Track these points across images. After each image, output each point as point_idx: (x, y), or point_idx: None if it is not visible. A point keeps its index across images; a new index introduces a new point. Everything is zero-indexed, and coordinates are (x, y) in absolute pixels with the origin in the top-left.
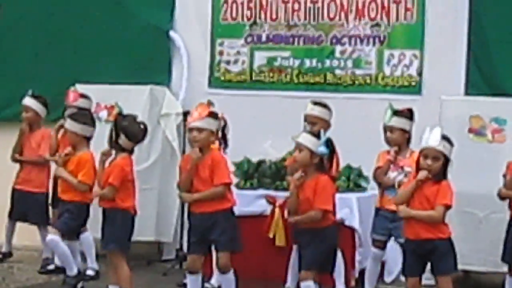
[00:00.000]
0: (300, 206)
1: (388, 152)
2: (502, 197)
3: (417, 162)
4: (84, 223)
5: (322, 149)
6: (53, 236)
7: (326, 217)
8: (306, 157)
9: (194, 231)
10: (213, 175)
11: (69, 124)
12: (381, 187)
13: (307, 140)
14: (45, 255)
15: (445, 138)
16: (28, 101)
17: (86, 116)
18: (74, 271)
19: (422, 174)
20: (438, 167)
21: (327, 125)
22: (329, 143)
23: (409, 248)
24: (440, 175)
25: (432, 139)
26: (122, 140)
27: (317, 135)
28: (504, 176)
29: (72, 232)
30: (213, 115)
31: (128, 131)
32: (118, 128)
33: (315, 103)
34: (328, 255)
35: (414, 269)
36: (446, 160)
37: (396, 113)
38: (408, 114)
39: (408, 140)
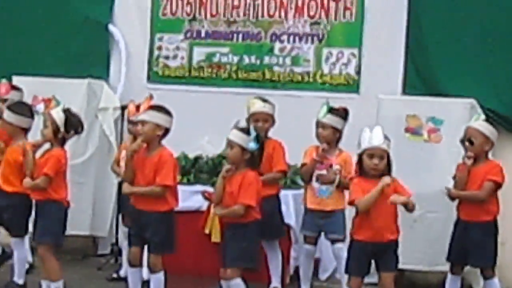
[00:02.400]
0: (224, 199)
1: (317, 148)
2: (452, 198)
3: (359, 162)
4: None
5: (252, 145)
6: None
7: (249, 213)
8: (237, 153)
9: (132, 225)
10: (156, 174)
11: (6, 115)
12: (306, 183)
13: (237, 137)
14: None
15: (386, 136)
16: None
17: (24, 108)
18: None
19: (386, 180)
20: (383, 165)
21: (273, 121)
22: (258, 139)
23: (362, 249)
24: (385, 172)
25: (375, 139)
26: (60, 132)
27: (247, 131)
28: (454, 177)
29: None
30: (156, 108)
31: (68, 123)
32: (57, 120)
33: (264, 100)
34: (251, 252)
35: (362, 269)
36: (388, 158)
37: (331, 110)
38: (343, 114)
39: (338, 140)
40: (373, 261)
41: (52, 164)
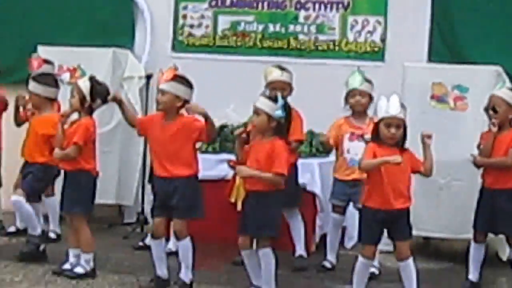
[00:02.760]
0: (250, 164)
1: (346, 119)
2: (478, 166)
3: (375, 130)
4: (47, 184)
5: (279, 113)
6: (17, 197)
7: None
8: (264, 120)
9: (157, 194)
10: (189, 139)
11: (31, 86)
12: (338, 153)
13: (264, 104)
14: None
15: (402, 105)
16: None
17: (48, 78)
18: (38, 231)
19: (397, 159)
20: (401, 134)
21: (291, 89)
22: (285, 107)
23: (374, 216)
24: (402, 142)
25: (392, 108)
26: (87, 101)
27: (274, 99)
28: (478, 146)
29: (35, 193)
30: (178, 79)
31: (94, 92)
32: (83, 89)
33: (282, 68)
34: (274, 220)
35: (374, 236)
36: (405, 127)
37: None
38: (371, 80)
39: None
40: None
41: (82, 133)
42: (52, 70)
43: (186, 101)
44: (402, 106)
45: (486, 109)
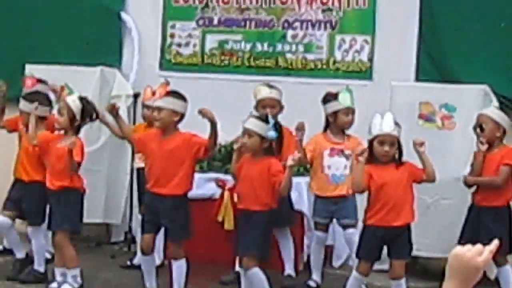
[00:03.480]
0: (242, 183)
1: (325, 134)
2: (468, 185)
3: (369, 148)
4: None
5: (272, 134)
6: (3, 218)
7: (266, 202)
8: (257, 142)
9: (147, 211)
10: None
11: (22, 104)
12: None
13: (255, 125)
14: None
15: (396, 123)
16: None
17: (39, 95)
18: (22, 254)
19: (358, 149)
20: (394, 152)
21: (281, 107)
22: (277, 127)
23: (374, 233)
24: (395, 159)
25: (385, 125)
26: (77, 120)
27: (265, 119)
28: (472, 165)
29: (39, 216)
30: (172, 94)
31: (84, 111)
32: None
33: (271, 86)
34: (263, 240)
35: (372, 254)
36: (399, 144)
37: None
38: None
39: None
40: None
41: (78, 152)
42: (45, 89)
43: (183, 115)
44: (396, 124)
45: (475, 128)
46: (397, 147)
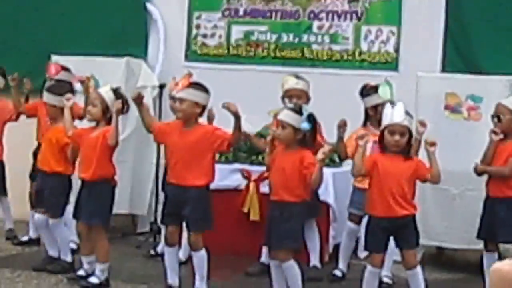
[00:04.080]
0: (275, 174)
1: (366, 128)
2: (478, 173)
3: (381, 138)
4: (68, 196)
5: (305, 125)
6: (39, 216)
7: (300, 193)
8: (290, 134)
9: (169, 202)
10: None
11: (46, 97)
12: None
13: (289, 117)
14: (8, 226)
15: (407, 113)
16: None
17: (63, 87)
18: (55, 252)
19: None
20: (405, 142)
21: (308, 98)
22: (311, 118)
23: (378, 224)
24: (407, 149)
25: (396, 115)
26: (110, 111)
27: (299, 111)
28: (484, 153)
29: (59, 209)
30: (194, 85)
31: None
32: (107, 99)
33: (298, 77)
34: (297, 232)
35: (379, 245)
36: (410, 135)
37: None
38: None
39: None
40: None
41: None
42: (69, 77)
43: (204, 107)
44: (408, 114)
45: (493, 117)
46: (408, 137)
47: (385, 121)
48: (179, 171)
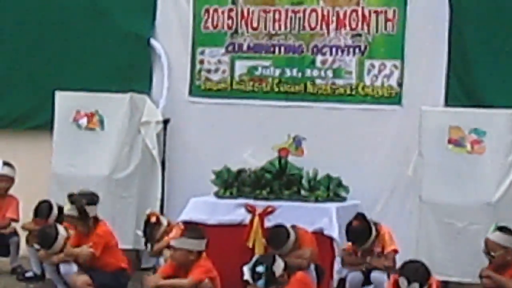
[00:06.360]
0: None
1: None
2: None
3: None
4: None
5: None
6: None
7: None
8: None
9: None
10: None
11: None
12: None
13: None
14: (14, 264)
15: None
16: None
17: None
18: None
19: None
20: None
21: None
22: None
23: None
24: None
25: None
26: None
27: None
28: (488, 253)
29: None
30: (187, 233)
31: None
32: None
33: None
34: None
35: None
36: None
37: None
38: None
39: None
40: None
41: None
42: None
43: (200, 253)
44: None
45: (485, 253)
46: None
47: None
48: None
